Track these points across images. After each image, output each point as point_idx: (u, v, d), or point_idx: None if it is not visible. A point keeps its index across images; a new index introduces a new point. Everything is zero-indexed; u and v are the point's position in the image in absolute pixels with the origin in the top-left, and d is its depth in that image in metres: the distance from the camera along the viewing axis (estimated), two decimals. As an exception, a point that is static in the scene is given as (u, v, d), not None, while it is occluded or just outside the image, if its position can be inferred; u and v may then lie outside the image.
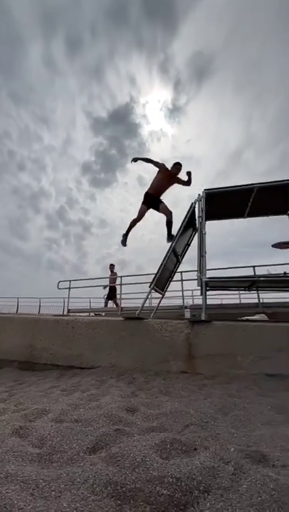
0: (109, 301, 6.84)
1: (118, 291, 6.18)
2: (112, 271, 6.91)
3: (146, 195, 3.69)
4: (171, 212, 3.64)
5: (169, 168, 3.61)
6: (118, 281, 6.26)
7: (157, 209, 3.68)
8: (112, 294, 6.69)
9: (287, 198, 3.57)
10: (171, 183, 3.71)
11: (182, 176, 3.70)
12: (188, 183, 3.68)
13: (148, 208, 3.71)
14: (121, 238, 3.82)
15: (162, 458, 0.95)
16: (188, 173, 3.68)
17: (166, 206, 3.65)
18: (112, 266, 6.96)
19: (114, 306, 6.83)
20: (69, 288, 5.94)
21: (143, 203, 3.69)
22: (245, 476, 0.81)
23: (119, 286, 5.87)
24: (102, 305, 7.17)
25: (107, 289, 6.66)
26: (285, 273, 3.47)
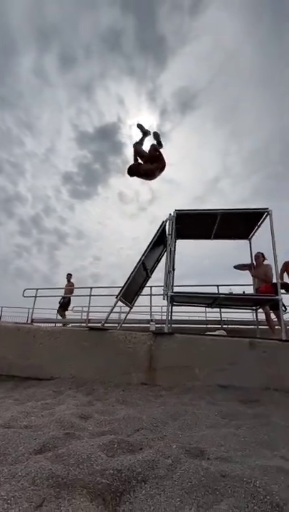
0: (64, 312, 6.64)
1: (87, 303, 6.07)
2: (68, 280, 6.82)
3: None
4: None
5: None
6: (76, 292, 6.28)
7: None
8: (65, 304, 6.54)
9: (248, 225, 3.98)
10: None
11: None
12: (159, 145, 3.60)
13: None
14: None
15: (108, 456, 0.99)
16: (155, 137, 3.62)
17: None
18: (69, 275, 6.88)
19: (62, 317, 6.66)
20: (35, 296, 5.69)
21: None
22: (180, 467, 0.89)
23: (87, 297, 5.79)
24: (71, 316, 6.95)
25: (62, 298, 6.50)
26: (243, 292, 3.78)
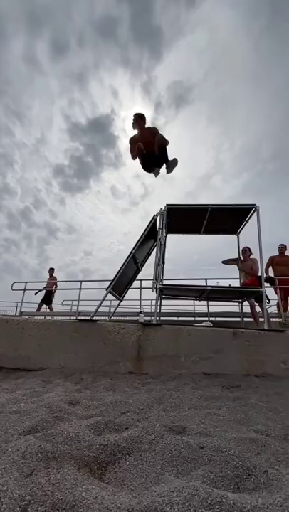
0: (44, 306, 6.61)
1: (77, 297, 6.07)
2: (51, 275, 6.78)
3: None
4: (162, 138, 3.15)
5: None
6: (59, 285, 6.28)
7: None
8: (47, 298, 6.51)
9: (236, 221, 4.08)
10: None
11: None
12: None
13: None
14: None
15: (95, 434, 1.05)
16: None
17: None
18: (51, 270, 6.84)
19: (49, 310, 6.65)
20: (24, 290, 5.63)
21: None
22: (162, 441, 0.96)
23: (77, 290, 5.79)
24: (61, 310, 6.92)
25: (43, 292, 6.45)
26: (229, 285, 3.90)
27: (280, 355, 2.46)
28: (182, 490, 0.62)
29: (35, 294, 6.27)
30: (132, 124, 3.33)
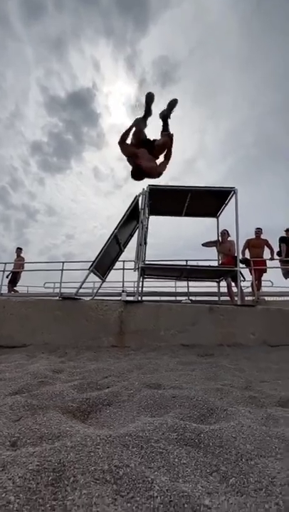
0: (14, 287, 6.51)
1: (59, 279, 6.03)
2: (18, 255, 6.61)
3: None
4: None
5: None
6: (26, 266, 6.20)
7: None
8: (13, 280, 6.41)
9: (216, 203, 4.20)
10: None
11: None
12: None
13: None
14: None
15: (78, 392, 1.14)
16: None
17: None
18: (19, 250, 6.65)
19: (13, 292, 6.55)
20: (3, 270, 5.50)
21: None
22: (139, 394, 1.08)
23: (59, 272, 5.75)
24: (44, 291, 6.85)
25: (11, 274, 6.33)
26: (209, 266, 4.10)
27: (249, 327, 2.70)
28: (153, 422, 0.73)
29: (7, 276, 6.12)
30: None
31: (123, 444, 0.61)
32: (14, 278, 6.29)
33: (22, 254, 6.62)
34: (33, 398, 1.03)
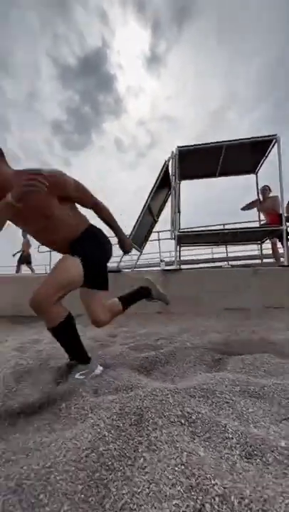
0: (23, 266, 6.62)
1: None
2: (24, 236, 6.33)
3: None
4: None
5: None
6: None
7: None
8: (26, 258, 6.51)
9: (254, 157, 3.76)
10: None
11: None
12: None
13: None
14: None
15: (136, 352, 1.26)
16: None
17: None
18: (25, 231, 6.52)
19: (30, 271, 6.46)
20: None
21: None
22: (194, 353, 1.14)
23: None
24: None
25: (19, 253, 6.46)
26: (250, 227, 3.83)
27: (299, 287, 2.55)
28: (214, 376, 0.78)
29: (13, 255, 6.34)
30: None
31: (190, 395, 0.67)
32: (25, 257, 6.40)
33: None
34: (99, 358, 1.18)
